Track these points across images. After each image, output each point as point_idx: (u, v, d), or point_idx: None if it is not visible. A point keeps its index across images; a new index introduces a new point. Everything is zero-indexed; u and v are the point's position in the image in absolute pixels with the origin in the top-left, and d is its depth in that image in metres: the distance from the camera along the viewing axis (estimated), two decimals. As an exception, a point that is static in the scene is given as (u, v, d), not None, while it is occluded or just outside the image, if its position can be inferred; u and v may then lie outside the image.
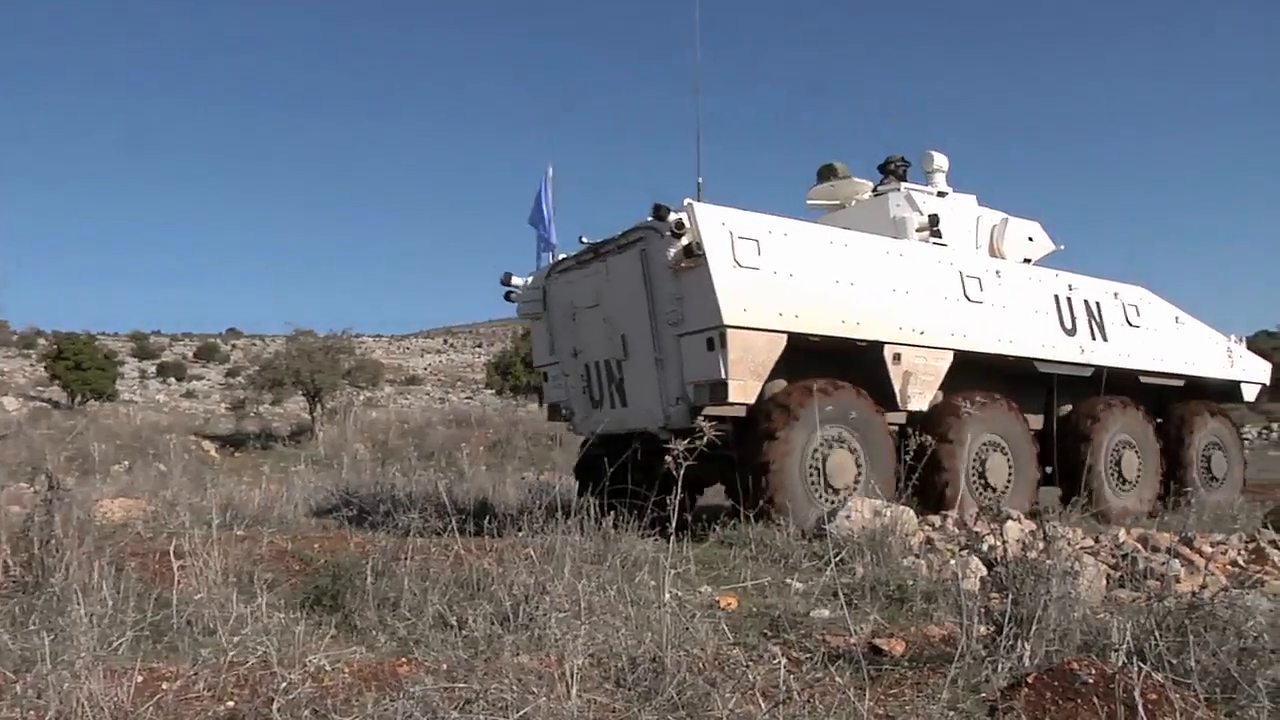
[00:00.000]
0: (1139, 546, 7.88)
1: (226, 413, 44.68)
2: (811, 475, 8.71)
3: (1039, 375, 11.06)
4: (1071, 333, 11.21)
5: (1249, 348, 14.24)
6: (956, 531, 8.16)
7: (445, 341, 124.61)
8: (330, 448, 26.03)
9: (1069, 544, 6.93)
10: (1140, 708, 3.36)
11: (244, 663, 3.97)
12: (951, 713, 3.80)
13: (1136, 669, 3.62)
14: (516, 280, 10.94)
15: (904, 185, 11.76)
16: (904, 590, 5.92)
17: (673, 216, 8.26)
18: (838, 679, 3.82)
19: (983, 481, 9.88)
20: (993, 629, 4.40)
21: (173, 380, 69.21)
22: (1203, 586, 5.91)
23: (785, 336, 8.63)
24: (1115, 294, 12.04)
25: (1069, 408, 11.55)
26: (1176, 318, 12.79)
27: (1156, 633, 4.09)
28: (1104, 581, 6.46)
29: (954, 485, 9.45)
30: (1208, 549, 7.86)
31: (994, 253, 11.75)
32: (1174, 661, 3.92)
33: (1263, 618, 4.44)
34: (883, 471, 8.93)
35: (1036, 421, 11.32)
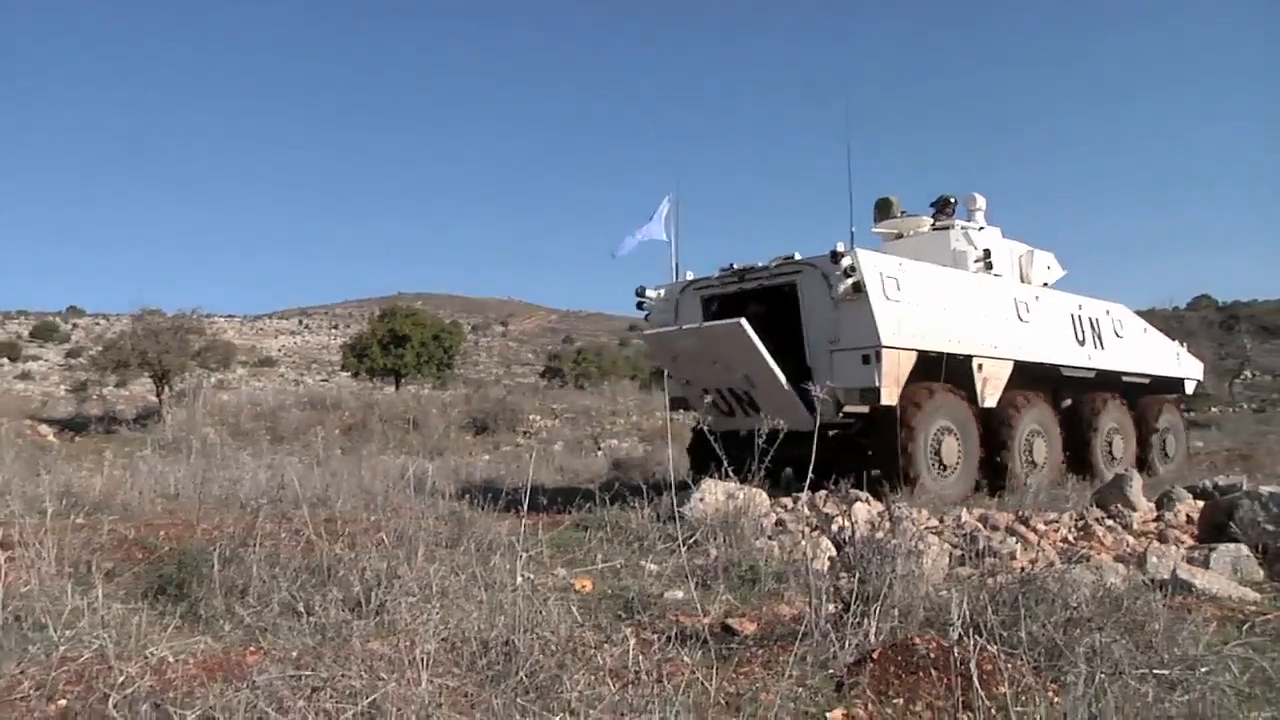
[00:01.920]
0: (979, 526, 8.19)
1: (66, 395, 42.63)
2: (931, 456, 11.01)
3: (1051, 375, 13.32)
4: (1082, 344, 13.83)
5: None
6: (807, 513, 8.35)
7: (300, 323, 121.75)
8: (178, 431, 25.13)
9: (913, 525, 7.16)
10: (975, 678, 3.50)
11: (77, 658, 3.80)
12: (800, 689, 3.88)
13: (972, 642, 3.76)
14: (650, 293, 12.80)
15: (958, 222, 14.06)
16: (756, 571, 6.03)
17: (845, 261, 10.39)
18: (687, 659, 3.87)
19: (1030, 458, 12.32)
20: (841, 607, 4.52)
21: (5, 361, 65.96)
22: (1034, 562, 6.19)
23: (915, 353, 10.87)
24: (1107, 311, 14.76)
25: (1068, 402, 14.05)
26: (1144, 329, 15.84)
27: (990, 607, 4.27)
28: (946, 560, 6.68)
29: (1008, 457, 11.91)
30: (1041, 527, 8.21)
31: (1023, 278, 14.32)
32: (1005, 634, 4.09)
33: (1087, 589, 4.66)
34: (972, 452, 11.54)
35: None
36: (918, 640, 4.06)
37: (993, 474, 11.74)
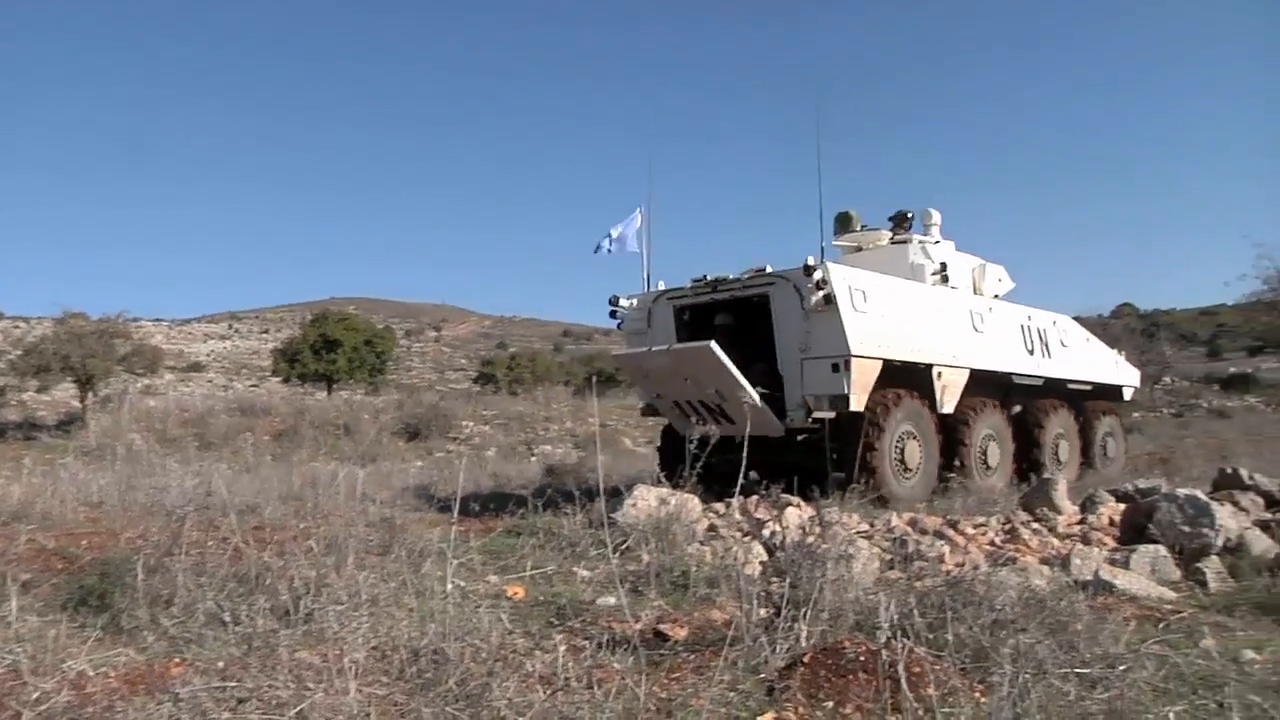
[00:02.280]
0: (909, 530, 8.29)
1: (-17, 401, 41.55)
2: (895, 459, 11.65)
3: (1003, 383, 14.01)
4: (1031, 353, 14.61)
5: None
6: (739, 518, 8.39)
7: (230, 327, 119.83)
8: (103, 438, 24.56)
9: (844, 529, 7.23)
10: (903, 680, 3.54)
11: (-10, 673, 3.70)
12: (731, 694, 3.90)
13: (901, 644, 3.81)
14: (624, 302, 13.20)
15: (915, 236, 14.66)
16: (688, 576, 6.05)
17: (817, 274, 10.95)
18: (618, 665, 3.87)
19: (985, 461, 13.06)
20: (772, 612, 4.55)
21: (-80, 365, 63.89)
22: (961, 565, 6.28)
23: (881, 362, 11.43)
24: (1054, 322, 15.58)
25: (1018, 408, 14.59)
26: (1087, 338, 16.67)
27: (918, 610, 4.33)
28: (877, 563, 6.76)
29: (966, 460, 12.61)
30: (970, 530, 8.34)
31: (976, 290, 15.02)
32: (932, 636, 4.16)
33: (1013, 591, 4.75)
34: (932, 455, 12.21)
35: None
36: (847, 644, 4.10)
37: (948, 475, 12.20)
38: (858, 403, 11.19)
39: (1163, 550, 7.13)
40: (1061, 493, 9.28)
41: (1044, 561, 7.08)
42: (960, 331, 13.16)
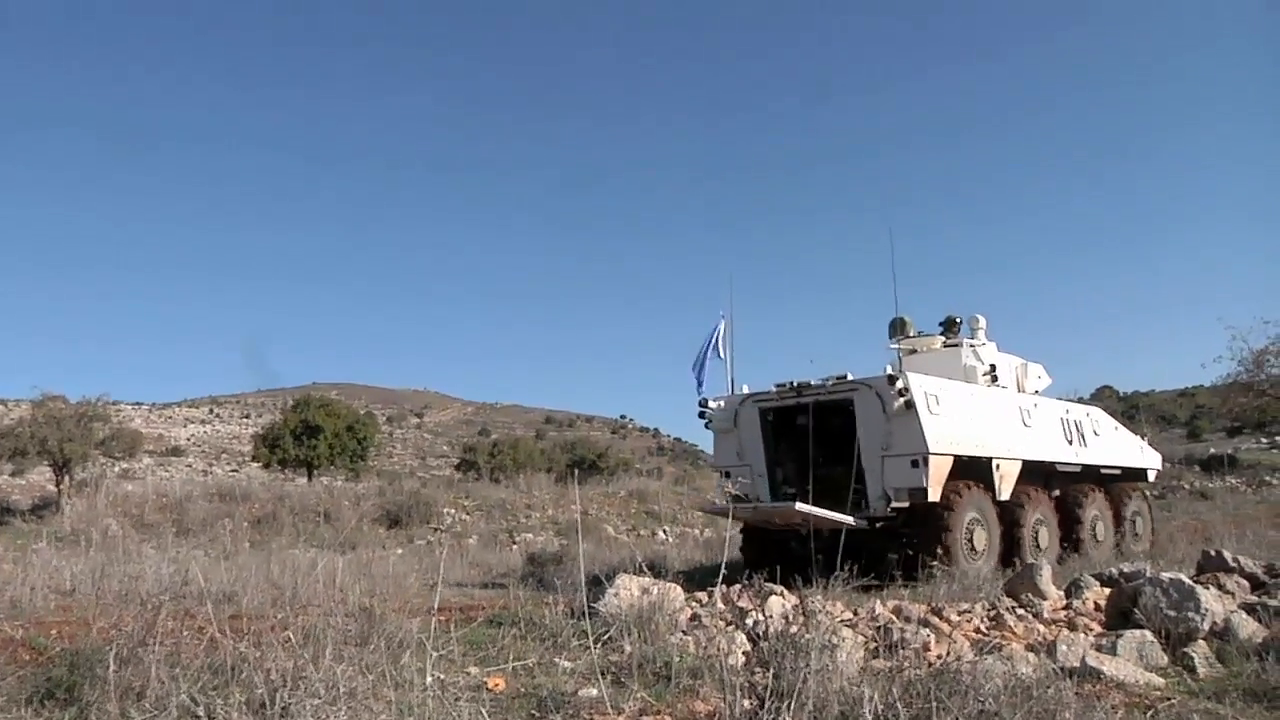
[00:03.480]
0: (893, 618, 8.21)
1: (-43, 486, 40.85)
2: (966, 543, 13.06)
3: (1046, 471, 15.49)
4: (1070, 443, 16.09)
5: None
6: (723, 608, 8.30)
7: (211, 411, 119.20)
8: (78, 523, 24.23)
9: (828, 618, 7.16)
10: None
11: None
12: (714, 787, 3.82)
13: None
14: (712, 405, 14.84)
15: (965, 340, 16.54)
16: (670, 667, 5.96)
17: (899, 383, 12.69)
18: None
19: (1036, 543, 14.41)
20: (755, 703, 4.48)
21: (-105, 451, 62.95)
22: (947, 653, 6.22)
23: (952, 458, 13.01)
24: (1087, 414, 17.37)
25: (1057, 492, 15.93)
26: (1115, 427, 18.36)
27: (902, 701, 4.27)
28: (861, 652, 6.68)
29: (1021, 543, 14.03)
30: (955, 617, 8.27)
31: (1019, 387, 16.72)
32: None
33: (999, 680, 4.69)
34: (995, 538, 13.67)
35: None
36: (832, 735, 4.04)
37: (1006, 556, 13.67)
38: (934, 494, 12.67)
39: (1149, 635, 7.11)
40: (1046, 578, 9.24)
41: (1030, 648, 7.02)
42: (1013, 427, 14.82)
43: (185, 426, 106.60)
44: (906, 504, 12.77)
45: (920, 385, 13.05)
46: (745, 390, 14.79)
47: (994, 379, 15.77)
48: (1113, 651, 6.79)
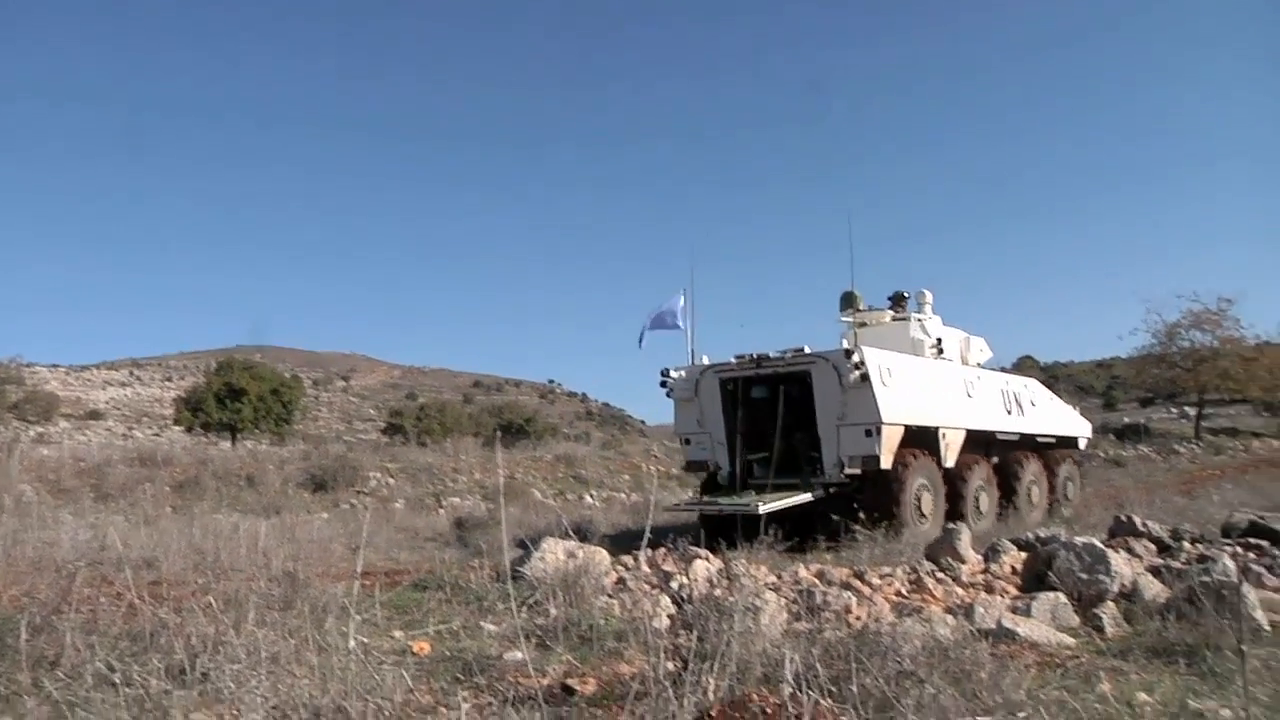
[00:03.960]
0: (816, 581, 8.35)
1: None
2: (915, 507, 13.83)
3: (987, 439, 16.43)
4: (1009, 413, 17.14)
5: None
6: (648, 571, 8.37)
7: (131, 374, 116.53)
8: (-10, 490, 23.60)
9: (752, 581, 7.26)
10: (808, 733, 3.55)
11: None
12: (638, 748, 3.86)
13: (806, 697, 3.83)
14: (674, 374, 15.40)
15: (913, 315, 17.26)
16: (595, 630, 6.00)
17: (855, 356, 13.29)
18: (523, 721, 3.82)
19: (978, 507, 15.32)
20: (680, 665, 4.53)
21: None
22: (868, 616, 6.34)
23: (903, 427, 13.76)
24: (1025, 385, 18.57)
25: (996, 459, 16.86)
26: (1050, 397, 19.54)
27: (823, 662, 4.35)
28: (784, 616, 6.78)
29: (963, 507, 14.84)
30: (876, 581, 8.43)
31: (963, 360, 17.57)
32: (837, 688, 4.18)
33: (918, 641, 4.81)
34: (940, 504, 14.44)
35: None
36: (754, 697, 4.09)
37: (951, 519, 14.16)
38: (886, 461, 13.45)
39: (1062, 597, 7.33)
40: (966, 542, 9.44)
41: (948, 611, 7.19)
42: (958, 398, 15.73)
43: (104, 389, 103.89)
44: (860, 471, 13.48)
45: (874, 359, 13.67)
46: (705, 361, 15.37)
47: (940, 352, 16.62)
48: (1027, 613, 6.98)
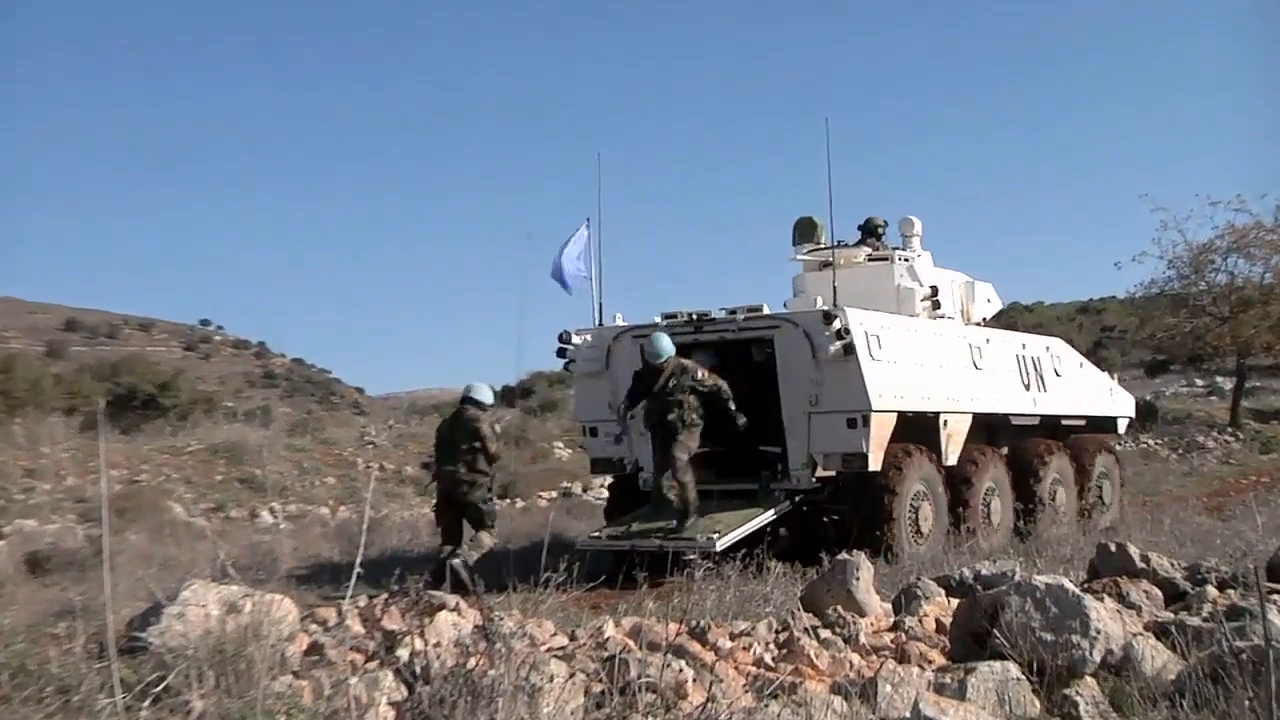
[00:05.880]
0: (630, 644, 8.33)
1: None
2: (910, 521, 15.08)
3: (996, 424, 18.01)
4: (1027, 387, 18.57)
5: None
6: (360, 630, 8.24)
7: None
8: None
9: (528, 645, 7.21)
10: None
11: None
12: None
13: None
14: (576, 339, 16.77)
15: (897, 253, 18.74)
16: (269, 735, 5.89)
17: (836, 322, 14.35)
18: None
19: (988, 518, 16.67)
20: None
21: None
22: (710, 700, 6.39)
23: (896, 415, 15.09)
24: (1047, 348, 20.10)
25: (1005, 450, 18.39)
26: (1081, 363, 21.49)
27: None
28: (581, 698, 6.76)
29: (970, 518, 16.11)
30: (725, 643, 8.42)
31: (965, 316, 19.31)
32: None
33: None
34: (942, 515, 15.78)
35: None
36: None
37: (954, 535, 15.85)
38: (875, 461, 14.72)
39: (1013, 669, 7.34)
40: (865, 584, 9.56)
41: (836, 690, 7.18)
42: (962, 371, 17.13)
43: None
44: (837, 473, 14.92)
45: (861, 322, 14.83)
46: (620, 321, 16.61)
47: (936, 306, 18.07)
48: (960, 695, 6.99)
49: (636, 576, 13.25)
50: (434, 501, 16.60)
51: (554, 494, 30.78)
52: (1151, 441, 38.74)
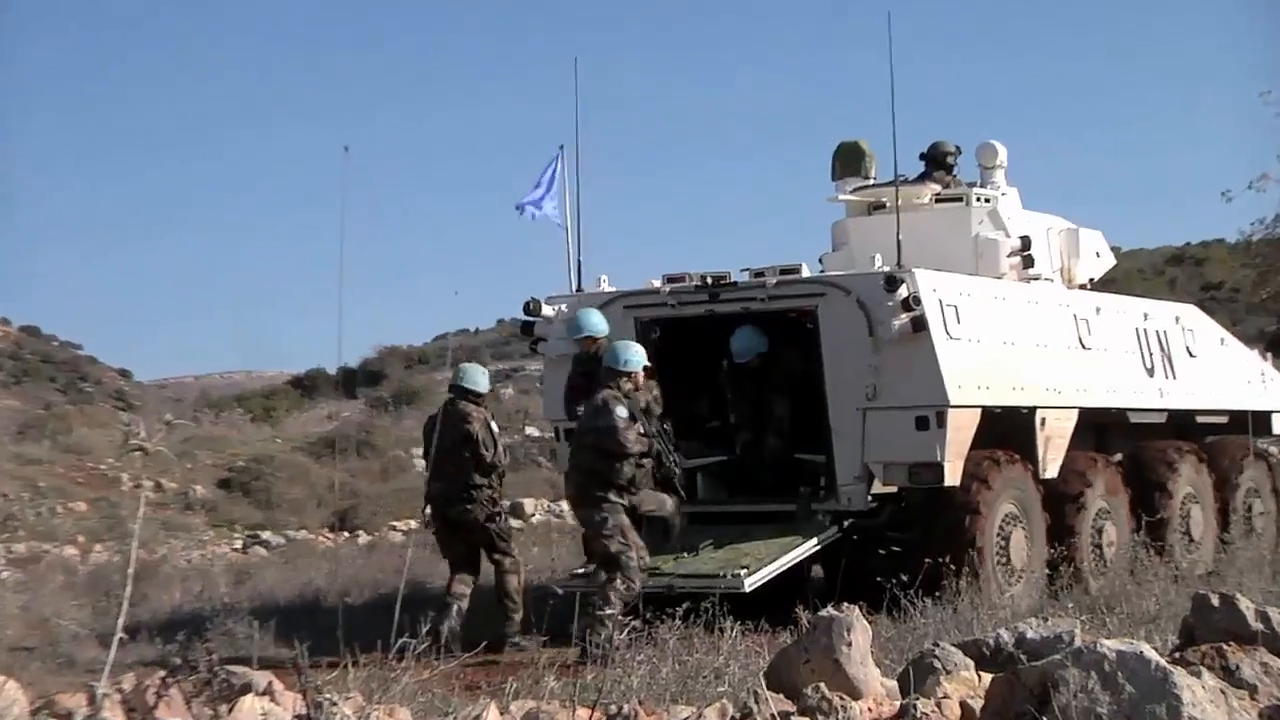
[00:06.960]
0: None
1: None
2: (999, 554, 14.95)
3: (1107, 421, 17.91)
4: (1151, 373, 18.46)
5: None
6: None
7: None
8: None
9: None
10: None
11: None
12: None
13: None
14: (547, 310, 16.43)
15: (976, 191, 18.16)
16: None
17: (902, 290, 13.99)
18: None
19: (1098, 546, 16.82)
20: None
21: None
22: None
23: (979, 411, 14.92)
24: (1177, 318, 19.83)
25: (1119, 456, 18.14)
26: (1222, 339, 21.23)
27: None
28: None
29: (1078, 551, 16.25)
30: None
31: (1065, 276, 18.93)
32: None
33: None
34: (1040, 546, 15.74)
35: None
36: None
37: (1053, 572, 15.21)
38: (952, 474, 14.53)
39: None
40: (858, 650, 8.92)
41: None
42: (1065, 352, 16.85)
43: None
44: (902, 489, 14.77)
45: (934, 289, 14.44)
46: (606, 286, 16.47)
47: (1029, 264, 17.74)
48: None
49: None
50: (433, 527, 16.85)
51: (412, 524, 28.96)
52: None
